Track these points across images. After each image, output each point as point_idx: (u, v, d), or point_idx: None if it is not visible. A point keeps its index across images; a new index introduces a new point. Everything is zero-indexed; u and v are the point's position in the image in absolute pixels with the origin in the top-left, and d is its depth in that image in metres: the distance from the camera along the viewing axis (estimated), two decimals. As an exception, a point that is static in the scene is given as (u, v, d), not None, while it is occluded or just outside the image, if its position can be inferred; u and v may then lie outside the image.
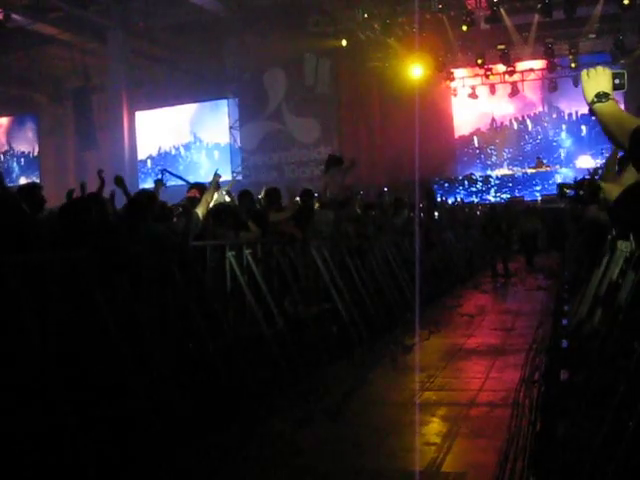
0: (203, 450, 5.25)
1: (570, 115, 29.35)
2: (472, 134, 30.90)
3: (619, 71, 2.99)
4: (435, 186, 23.39)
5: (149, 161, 30.54)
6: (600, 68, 2.97)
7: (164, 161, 29.78)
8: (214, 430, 5.55)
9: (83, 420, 4.58)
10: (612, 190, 3.85)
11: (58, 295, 4.95)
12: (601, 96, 2.91)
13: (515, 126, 30.43)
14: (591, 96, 2.93)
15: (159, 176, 10.53)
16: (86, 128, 28.69)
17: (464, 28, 23.88)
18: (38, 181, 28.85)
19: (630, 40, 25.74)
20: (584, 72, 3.00)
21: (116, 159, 25.76)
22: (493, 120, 30.62)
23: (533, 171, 28.58)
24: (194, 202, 7.47)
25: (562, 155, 29.31)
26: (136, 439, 5.00)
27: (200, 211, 6.80)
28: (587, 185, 5.18)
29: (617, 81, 2.97)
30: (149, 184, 24.95)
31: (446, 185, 28.02)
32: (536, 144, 29.97)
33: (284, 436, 5.49)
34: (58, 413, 4.51)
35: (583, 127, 28.84)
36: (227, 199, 8.81)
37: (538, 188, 27.96)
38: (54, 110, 32.01)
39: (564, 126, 29.37)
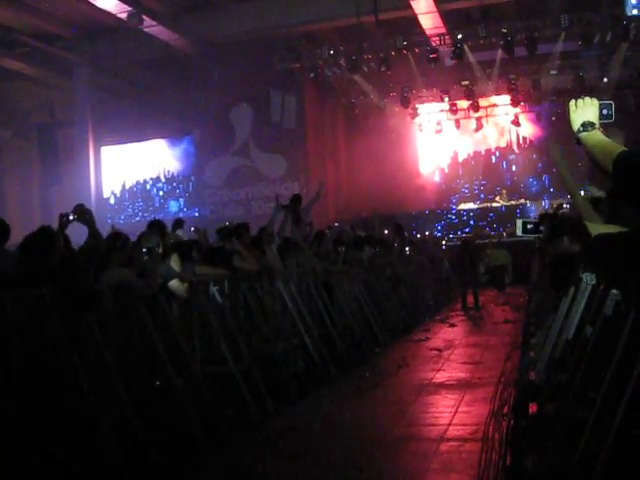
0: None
1: (537, 148, 29.75)
2: (436, 169, 31.19)
3: (606, 102, 3.04)
4: (404, 221, 23.39)
5: (112, 198, 30.21)
6: (588, 99, 3.02)
7: (132, 197, 29.65)
8: (180, 468, 5.45)
9: (47, 459, 4.49)
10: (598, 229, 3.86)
11: (21, 332, 4.87)
12: (586, 125, 2.96)
13: (474, 161, 30.79)
14: (577, 126, 2.98)
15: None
16: (51, 163, 28.45)
17: (429, 64, 24.28)
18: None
19: (590, 76, 26.30)
20: (572, 102, 3.04)
21: (82, 195, 25.55)
22: (456, 155, 30.97)
23: (505, 204, 28.55)
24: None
25: (538, 187, 29.59)
26: (103, 478, 4.90)
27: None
28: (555, 218, 5.21)
29: (605, 111, 3.02)
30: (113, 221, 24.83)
31: (411, 221, 27.95)
32: (507, 178, 30.29)
33: (251, 475, 5.41)
34: (22, 452, 4.41)
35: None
36: (182, 236, 8.84)
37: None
38: (19, 145, 31.73)
39: (534, 157, 29.73)
